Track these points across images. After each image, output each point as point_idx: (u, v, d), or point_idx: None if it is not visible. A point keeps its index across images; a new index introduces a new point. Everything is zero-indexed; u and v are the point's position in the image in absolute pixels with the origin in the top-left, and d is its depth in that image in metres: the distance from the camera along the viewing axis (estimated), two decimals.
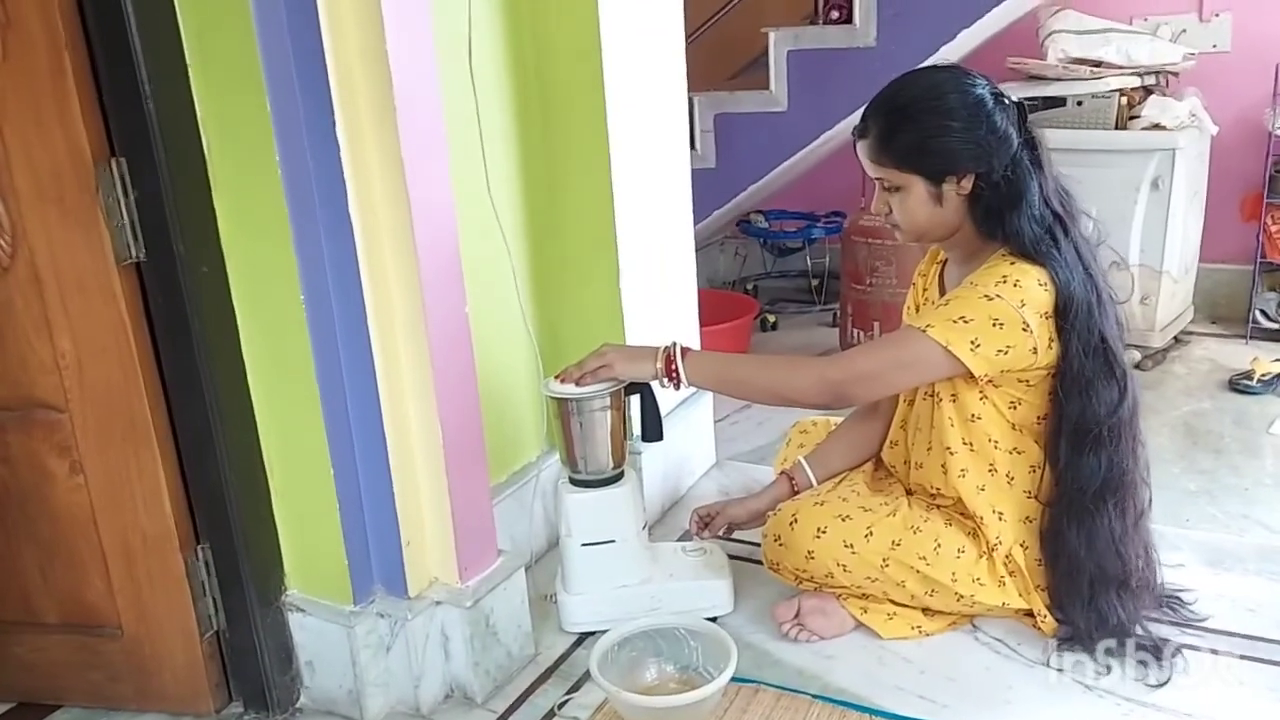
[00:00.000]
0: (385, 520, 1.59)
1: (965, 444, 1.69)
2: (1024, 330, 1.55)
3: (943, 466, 1.71)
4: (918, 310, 1.84)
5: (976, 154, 1.56)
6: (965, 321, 1.56)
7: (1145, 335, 2.98)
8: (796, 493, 1.88)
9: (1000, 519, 1.69)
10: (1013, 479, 1.69)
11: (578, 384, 1.70)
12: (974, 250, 1.66)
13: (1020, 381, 1.63)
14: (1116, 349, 1.60)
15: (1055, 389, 1.62)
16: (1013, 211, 1.58)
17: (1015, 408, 1.66)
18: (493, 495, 1.75)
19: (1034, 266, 1.56)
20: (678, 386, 1.68)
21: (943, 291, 1.76)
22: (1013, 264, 1.57)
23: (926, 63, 2.97)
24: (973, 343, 1.56)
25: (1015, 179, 1.57)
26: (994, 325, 1.55)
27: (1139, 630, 1.65)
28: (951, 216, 1.62)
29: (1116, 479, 1.62)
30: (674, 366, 1.66)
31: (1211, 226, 3.18)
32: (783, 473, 1.94)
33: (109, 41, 1.36)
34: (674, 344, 1.68)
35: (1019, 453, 1.68)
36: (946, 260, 1.79)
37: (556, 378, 1.73)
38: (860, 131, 1.64)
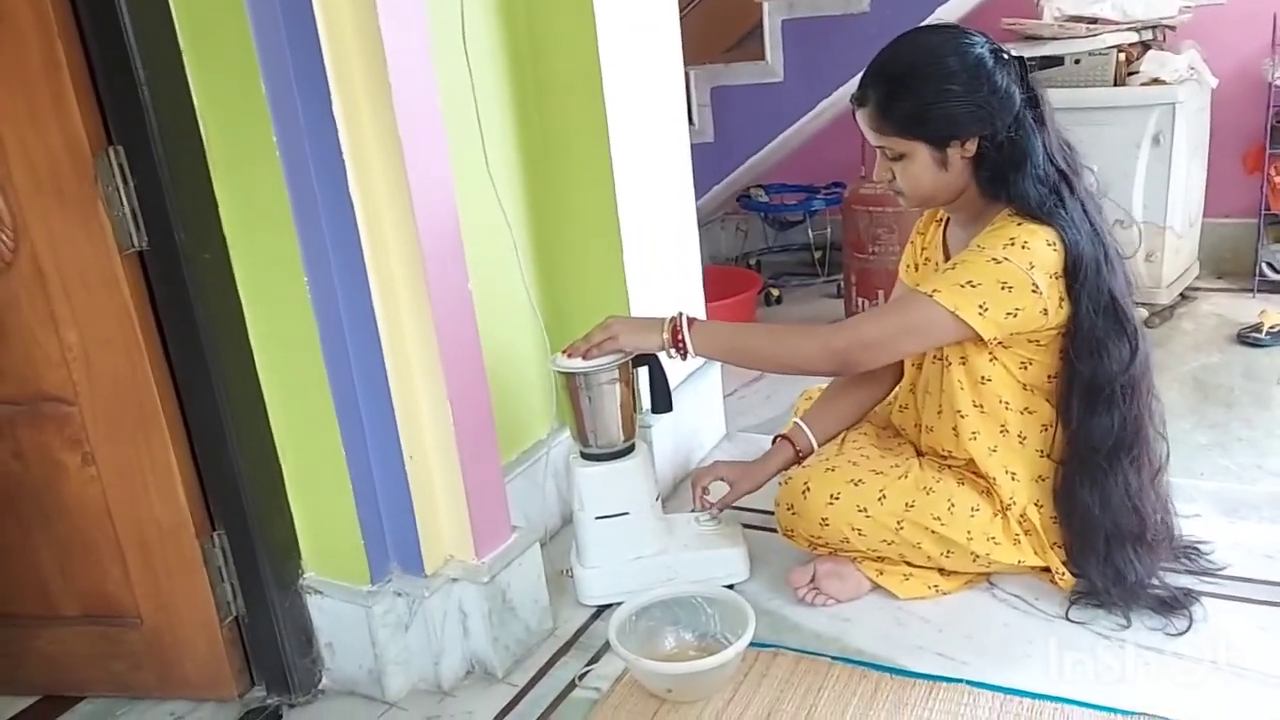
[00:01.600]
0: (399, 500, 1.59)
1: (976, 406, 1.68)
2: (1033, 291, 1.54)
3: (954, 430, 1.71)
4: (915, 269, 1.83)
5: (980, 116, 1.54)
6: (973, 285, 1.54)
7: (1152, 292, 2.97)
8: (801, 457, 1.86)
9: (1013, 479, 1.69)
10: (1025, 439, 1.69)
11: (584, 357, 1.70)
12: (979, 212, 1.65)
13: (1031, 342, 1.62)
14: (1126, 306, 1.59)
15: (1066, 348, 1.61)
16: (1017, 172, 1.56)
17: (1026, 368, 1.65)
18: (504, 474, 1.75)
19: (1041, 226, 1.55)
20: (685, 357, 1.67)
21: (947, 254, 1.75)
22: (1019, 224, 1.56)
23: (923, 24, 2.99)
24: (981, 307, 1.55)
25: (1019, 138, 1.55)
26: (1002, 288, 1.54)
27: (1156, 584, 1.65)
28: (957, 180, 1.60)
29: (1131, 436, 1.61)
30: (680, 336, 1.65)
31: (1215, 180, 3.16)
32: (783, 437, 1.91)
33: (102, 29, 1.36)
34: (680, 314, 1.68)
35: (1030, 412, 1.68)
36: (948, 220, 1.78)
37: (564, 352, 1.73)
38: (859, 100, 1.61)
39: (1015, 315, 1.56)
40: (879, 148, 1.62)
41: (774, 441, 1.92)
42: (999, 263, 1.54)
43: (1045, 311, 1.56)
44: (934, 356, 1.73)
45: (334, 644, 1.66)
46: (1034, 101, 1.58)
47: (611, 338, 1.69)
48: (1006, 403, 1.67)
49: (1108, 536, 1.63)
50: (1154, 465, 1.67)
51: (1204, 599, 1.64)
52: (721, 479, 1.87)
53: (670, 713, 1.53)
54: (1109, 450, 1.61)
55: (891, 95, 1.56)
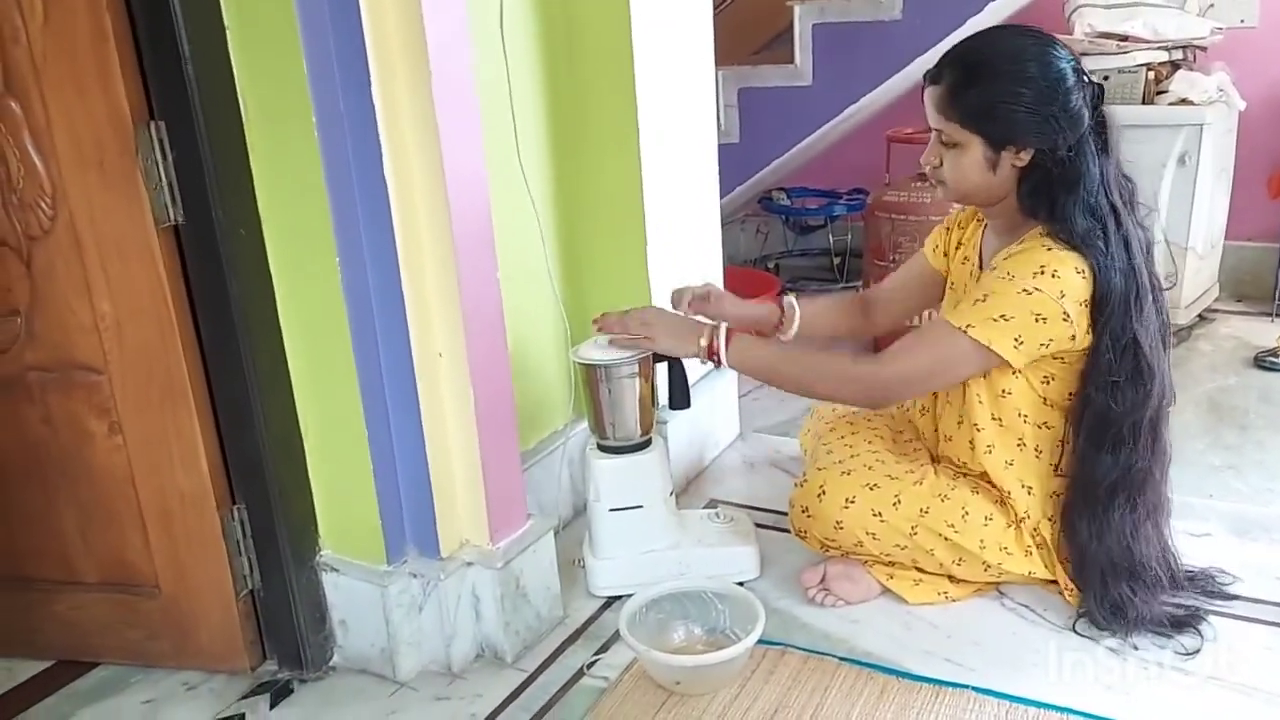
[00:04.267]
0: (418, 482, 1.61)
1: (994, 419, 1.68)
2: (1064, 320, 1.54)
3: (970, 442, 1.71)
4: (945, 256, 1.83)
5: (1043, 129, 1.52)
6: (1006, 319, 1.54)
7: (1171, 312, 2.94)
8: (784, 317, 1.92)
9: (1029, 493, 1.69)
10: (1041, 453, 1.69)
11: (613, 341, 1.74)
12: (1014, 224, 1.64)
13: (1055, 359, 1.62)
14: (1149, 351, 1.56)
15: (1083, 378, 1.61)
16: (1067, 196, 1.54)
17: (1048, 383, 1.65)
18: (521, 462, 1.77)
19: (1071, 253, 1.53)
20: (718, 365, 1.69)
21: (981, 260, 1.74)
22: (1049, 250, 1.54)
23: (952, 36, 2.99)
24: (1016, 340, 1.55)
25: (1075, 161, 1.53)
26: (1036, 320, 1.53)
27: (1158, 614, 1.62)
28: (1001, 185, 1.60)
29: (1132, 479, 1.60)
30: (716, 349, 1.67)
31: (1238, 203, 3.16)
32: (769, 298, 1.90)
33: (149, 4, 1.38)
34: (719, 324, 1.70)
35: (1048, 427, 1.68)
36: (987, 224, 1.76)
37: (595, 323, 1.76)
38: (933, 77, 1.60)
39: (1048, 345, 1.56)
40: (936, 130, 1.61)
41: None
42: (1030, 294, 1.53)
43: (1074, 337, 1.56)
44: None
45: (347, 621, 1.68)
46: (1102, 129, 1.57)
47: (648, 336, 1.72)
48: (1025, 416, 1.67)
49: (1103, 572, 1.63)
50: (1150, 507, 1.64)
51: (1213, 618, 1.65)
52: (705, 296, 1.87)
53: (677, 705, 1.54)
54: (1108, 487, 1.61)
55: (966, 82, 1.55)
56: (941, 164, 1.63)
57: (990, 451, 1.70)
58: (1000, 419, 1.68)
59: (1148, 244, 1.62)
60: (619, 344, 1.72)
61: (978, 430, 1.69)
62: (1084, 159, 1.54)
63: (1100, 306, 1.54)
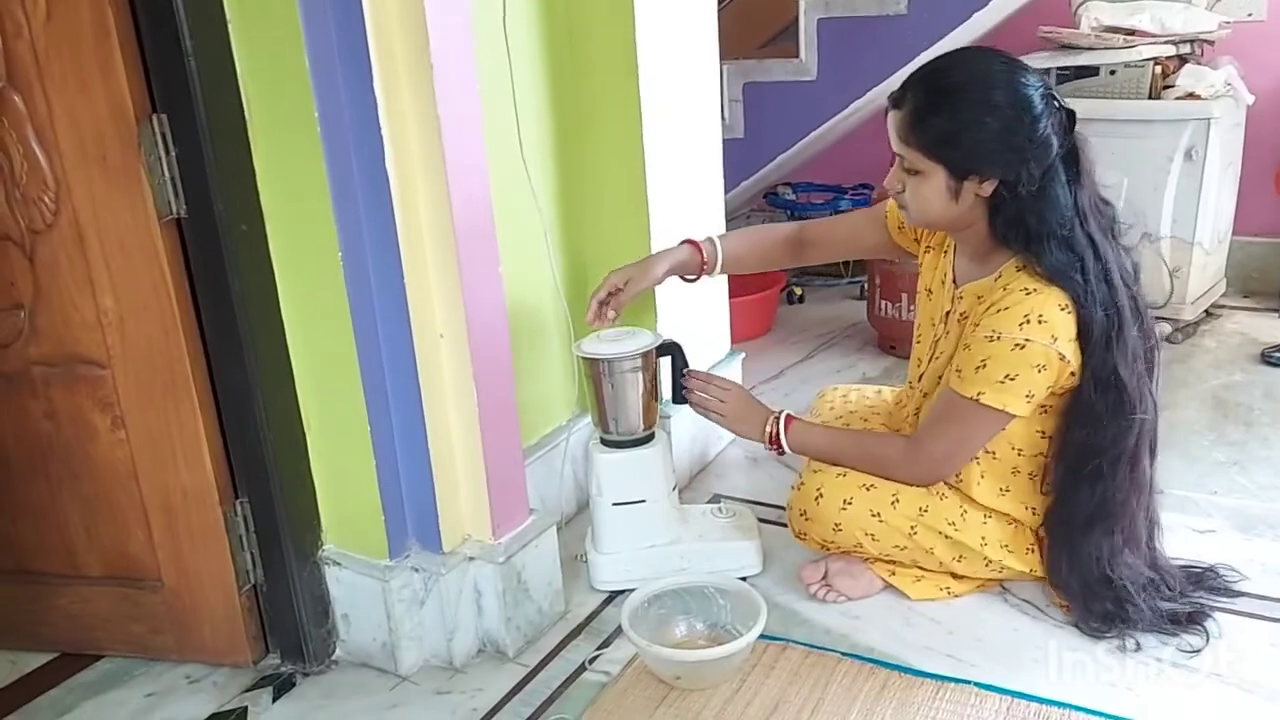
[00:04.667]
0: (420, 477, 1.61)
1: (988, 453, 1.67)
2: (1062, 360, 1.52)
3: (958, 477, 1.70)
4: (929, 295, 1.78)
5: (1008, 158, 1.48)
6: (1011, 379, 1.52)
7: (1176, 308, 2.95)
8: (705, 262, 1.85)
9: (1032, 512, 1.69)
10: (1034, 476, 1.68)
11: (697, 390, 1.81)
12: (985, 251, 1.61)
13: (1054, 394, 1.60)
14: (1130, 384, 1.53)
15: (1064, 414, 1.60)
16: (1040, 228, 1.51)
17: (1045, 413, 1.63)
18: (524, 457, 1.77)
19: (1052, 288, 1.51)
20: (780, 453, 1.78)
21: (956, 279, 1.70)
22: (1029, 292, 1.51)
23: (957, 31, 2.99)
24: (1027, 396, 1.54)
25: (1046, 192, 1.50)
26: (1039, 371, 1.52)
27: (1155, 621, 1.61)
28: (965, 214, 1.56)
29: (1107, 509, 1.59)
30: (777, 439, 1.75)
31: (1245, 199, 3.14)
32: (690, 241, 1.86)
33: None
34: (780, 413, 1.77)
35: (1043, 455, 1.67)
36: (956, 246, 1.72)
37: (686, 374, 1.82)
38: (895, 100, 1.55)
39: (1053, 385, 1.55)
40: (899, 155, 1.58)
41: (679, 244, 1.87)
42: (1023, 347, 1.51)
43: (1074, 373, 1.55)
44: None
45: (350, 616, 1.68)
46: (1074, 156, 1.53)
47: (722, 415, 1.80)
48: (1020, 450, 1.66)
49: (1084, 595, 1.62)
50: (1134, 538, 1.62)
51: (1217, 615, 1.64)
52: (618, 288, 1.80)
53: (678, 700, 1.54)
54: (1084, 520, 1.60)
55: (928, 108, 1.51)
56: (904, 190, 1.59)
57: (981, 482, 1.68)
58: (994, 452, 1.67)
59: (1134, 268, 1.59)
60: (700, 400, 1.81)
61: (969, 461, 1.68)
62: (1054, 188, 1.50)
63: (1081, 342, 1.53)
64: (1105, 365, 1.53)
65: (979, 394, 1.55)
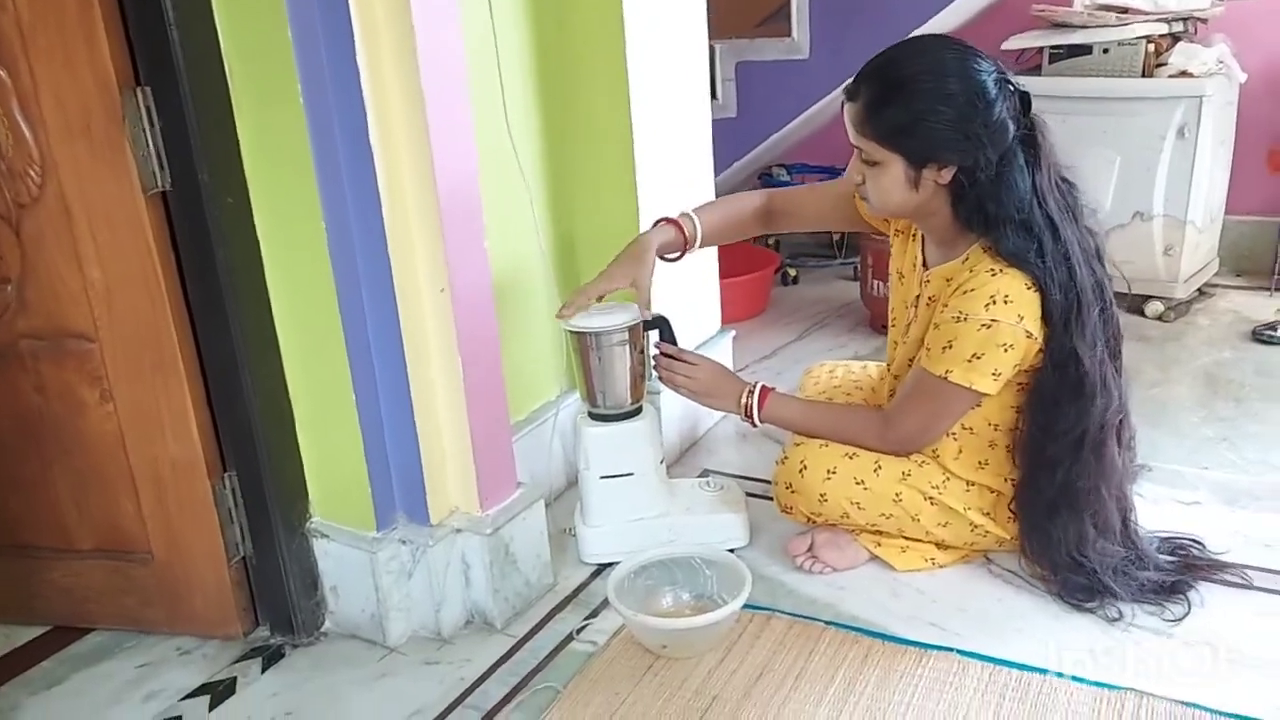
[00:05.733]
0: (407, 449, 1.62)
1: (964, 428, 1.68)
2: (1029, 338, 1.54)
3: (934, 451, 1.71)
4: (900, 279, 1.79)
5: (964, 145, 1.49)
6: (978, 358, 1.54)
7: (1169, 286, 2.95)
8: (687, 240, 1.81)
9: (1010, 484, 1.69)
10: (1011, 449, 1.69)
11: (665, 369, 1.81)
12: (951, 237, 1.62)
13: (1026, 370, 1.61)
14: (1091, 366, 1.54)
15: (1024, 396, 1.61)
16: (998, 212, 1.52)
17: (1020, 389, 1.63)
18: (513, 432, 1.78)
19: (1017, 270, 1.52)
20: (753, 425, 1.79)
21: (926, 262, 1.71)
22: (994, 274, 1.53)
23: (950, 7, 2.98)
24: (994, 374, 1.55)
25: (1004, 175, 1.51)
26: (1005, 350, 1.53)
27: (1137, 592, 1.62)
28: (925, 202, 1.57)
29: (1071, 496, 1.59)
30: (751, 411, 1.76)
31: (1238, 177, 3.13)
32: (668, 220, 1.82)
33: None
34: (756, 385, 1.78)
35: (1019, 429, 1.67)
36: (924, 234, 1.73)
37: (658, 347, 1.81)
38: (850, 93, 1.56)
39: (1021, 363, 1.57)
40: (856, 147, 1.58)
41: (656, 224, 1.83)
42: (989, 327, 1.52)
43: (1042, 351, 1.56)
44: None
45: (338, 588, 1.70)
46: (1031, 140, 1.53)
47: (691, 390, 1.80)
48: (995, 425, 1.67)
49: (1060, 575, 1.64)
50: (1107, 525, 1.62)
51: (1200, 585, 1.65)
52: (613, 289, 1.75)
53: (664, 668, 1.56)
54: (1047, 505, 1.61)
55: (883, 100, 1.51)
56: (864, 181, 1.60)
57: (959, 457, 1.70)
58: (970, 428, 1.68)
59: (1096, 250, 1.59)
60: (669, 378, 1.81)
61: (946, 436, 1.69)
62: (1012, 172, 1.51)
63: (1044, 321, 1.53)
64: (1063, 347, 1.54)
65: (947, 372, 1.56)
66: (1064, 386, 1.55)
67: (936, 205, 1.58)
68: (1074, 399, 1.55)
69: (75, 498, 1.70)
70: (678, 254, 1.84)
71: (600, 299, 1.75)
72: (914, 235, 1.75)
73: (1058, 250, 1.52)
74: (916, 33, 3.00)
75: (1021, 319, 1.52)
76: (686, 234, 1.82)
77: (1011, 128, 1.50)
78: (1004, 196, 1.51)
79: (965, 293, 1.55)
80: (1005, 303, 1.52)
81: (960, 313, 1.55)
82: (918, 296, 1.71)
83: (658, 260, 1.80)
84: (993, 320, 1.52)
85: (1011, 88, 1.52)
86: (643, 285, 1.75)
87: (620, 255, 1.77)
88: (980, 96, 1.48)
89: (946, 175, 1.53)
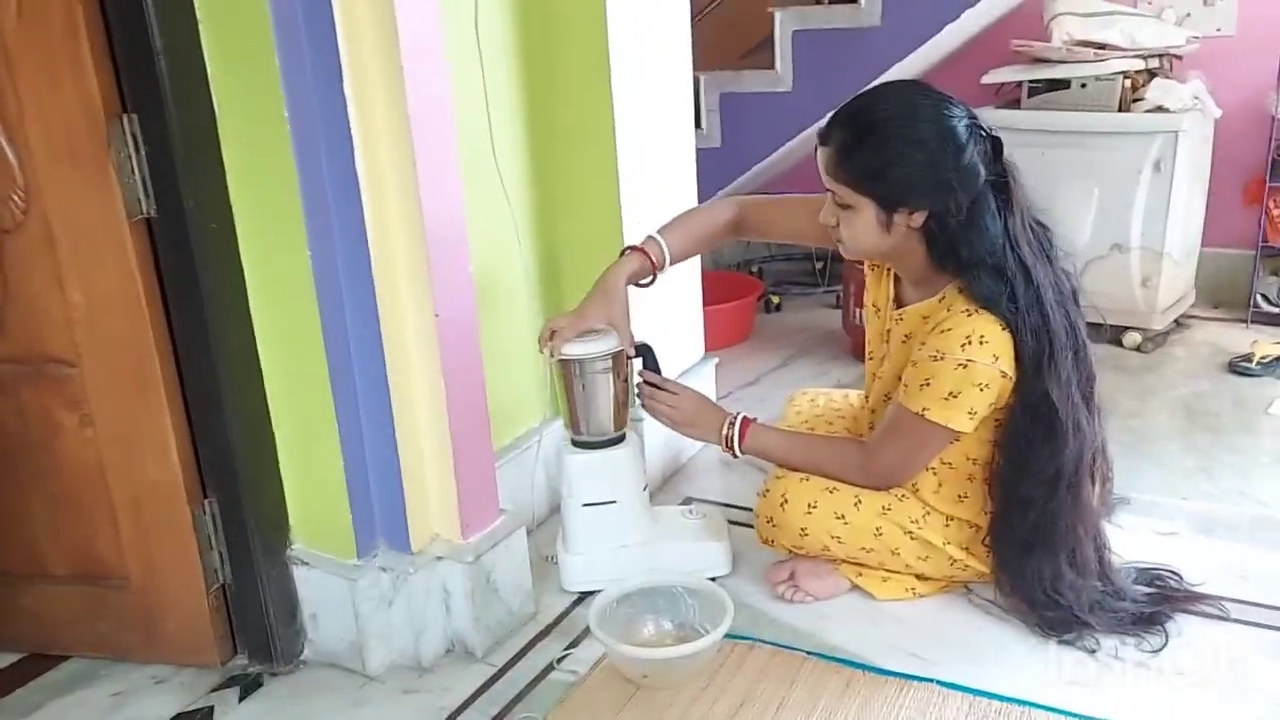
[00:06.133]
0: (388, 476, 1.62)
1: (944, 463, 1.69)
2: (1004, 378, 1.55)
3: (914, 485, 1.72)
4: (875, 312, 1.81)
5: (935, 190, 1.51)
6: (955, 396, 1.55)
7: (1147, 317, 2.99)
8: (655, 263, 1.79)
9: (986, 515, 1.70)
10: (989, 482, 1.69)
11: (650, 397, 1.80)
12: (926, 277, 1.64)
13: (996, 408, 1.62)
14: (1063, 410, 1.55)
15: (997, 439, 1.63)
16: (970, 256, 1.54)
17: (998, 425, 1.64)
18: (496, 459, 1.77)
19: (990, 312, 1.54)
20: (735, 456, 1.79)
21: (899, 300, 1.73)
22: (969, 314, 1.55)
23: (930, 43, 3.02)
24: (970, 413, 1.57)
25: (974, 221, 1.52)
26: (980, 389, 1.55)
27: (1113, 624, 1.63)
28: (898, 245, 1.59)
29: (1046, 536, 1.60)
30: (732, 444, 1.76)
31: (1214, 210, 3.18)
32: (634, 248, 1.80)
33: None
34: (737, 416, 1.78)
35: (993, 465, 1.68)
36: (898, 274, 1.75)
37: (640, 379, 1.81)
38: (823, 137, 1.57)
39: (996, 402, 1.58)
40: (829, 191, 1.60)
41: (623, 253, 1.81)
42: (966, 367, 1.54)
43: (1016, 390, 1.58)
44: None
45: (318, 615, 1.69)
46: (1003, 184, 1.55)
47: (673, 420, 1.80)
48: (974, 460, 1.68)
49: (1037, 611, 1.65)
50: (1084, 565, 1.63)
51: (1178, 616, 1.66)
52: (592, 330, 1.74)
53: (644, 699, 1.55)
54: (1021, 544, 1.62)
55: (855, 144, 1.53)
56: (838, 224, 1.61)
57: (939, 490, 1.71)
58: (949, 462, 1.69)
59: (1073, 292, 1.61)
60: (653, 408, 1.81)
61: (923, 471, 1.70)
62: (983, 217, 1.52)
63: (1015, 363, 1.55)
64: (1035, 390, 1.55)
65: (924, 409, 1.58)
66: (1037, 429, 1.57)
67: (910, 247, 1.60)
68: (1046, 441, 1.57)
69: (51, 522, 1.68)
70: (649, 279, 1.84)
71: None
72: (888, 270, 1.76)
73: (1030, 294, 1.54)
74: (897, 67, 3.06)
75: (997, 359, 1.53)
76: (654, 259, 1.80)
77: (983, 172, 1.52)
78: (976, 240, 1.53)
79: (942, 331, 1.57)
80: (981, 343, 1.53)
81: (938, 351, 1.56)
82: (889, 331, 1.73)
83: (632, 288, 1.80)
84: (969, 360, 1.53)
85: (983, 133, 1.54)
86: (619, 324, 1.75)
87: (591, 293, 1.76)
88: (951, 141, 1.50)
89: (918, 220, 1.55)
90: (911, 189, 1.52)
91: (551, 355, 1.73)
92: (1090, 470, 1.64)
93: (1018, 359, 1.55)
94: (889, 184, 1.53)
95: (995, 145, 1.56)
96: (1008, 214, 1.55)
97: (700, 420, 1.81)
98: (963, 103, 1.56)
